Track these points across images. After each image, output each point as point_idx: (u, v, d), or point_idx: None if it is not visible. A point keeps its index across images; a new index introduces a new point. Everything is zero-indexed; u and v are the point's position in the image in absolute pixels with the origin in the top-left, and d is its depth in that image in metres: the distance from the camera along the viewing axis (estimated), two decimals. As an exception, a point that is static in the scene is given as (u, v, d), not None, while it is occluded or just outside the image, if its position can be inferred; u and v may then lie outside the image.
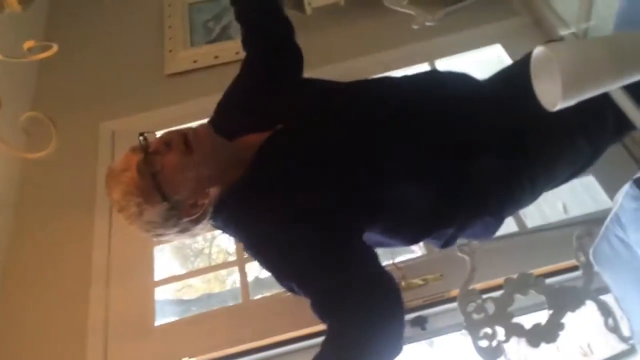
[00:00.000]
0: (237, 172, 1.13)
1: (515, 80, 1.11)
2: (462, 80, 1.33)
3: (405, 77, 1.31)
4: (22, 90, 2.38)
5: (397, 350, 0.98)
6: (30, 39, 1.31)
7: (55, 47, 1.34)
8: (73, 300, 1.86)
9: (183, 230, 1.14)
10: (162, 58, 2.49)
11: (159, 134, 1.15)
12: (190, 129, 1.12)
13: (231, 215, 1.14)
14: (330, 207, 1.07)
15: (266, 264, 1.12)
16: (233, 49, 2.45)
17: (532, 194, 1.27)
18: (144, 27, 2.67)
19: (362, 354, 0.94)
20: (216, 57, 2.45)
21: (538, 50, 0.74)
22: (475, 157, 1.15)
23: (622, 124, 1.15)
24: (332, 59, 2.21)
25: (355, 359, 0.93)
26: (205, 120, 1.34)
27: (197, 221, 1.13)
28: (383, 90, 1.27)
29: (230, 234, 1.23)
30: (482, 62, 2.30)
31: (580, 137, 1.23)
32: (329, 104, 1.23)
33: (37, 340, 1.80)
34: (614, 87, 0.72)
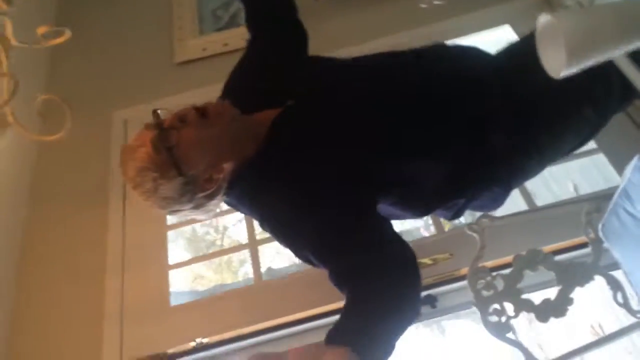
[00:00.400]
0: (251, 148, 1.14)
1: (522, 52, 1.12)
2: (470, 53, 1.34)
3: (414, 51, 1.31)
4: (36, 76, 2.42)
5: (415, 313, 1.00)
6: (42, 25, 1.34)
7: (68, 33, 1.37)
8: (89, 285, 1.89)
9: (198, 206, 1.14)
10: (172, 47, 2.52)
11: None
12: (209, 103, 1.13)
13: (246, 190, 1.16)
14: (344, 179, 1.08)
15: (282, 236, 1.14)
16: (242, 36, 2.42)
17: (539, 163, 1.28)
18: (154, 16, 2.70)
19: (382, 318, 0.95)
20: (225, 44, 2.47)
21: (543, 19, 0.75)
22: (484, 129, 1.16)
23: (628, 91, 1.15)
24: (343, 43, 2.21)
25: (375, 323, 0.95)
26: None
27: (211, 196, 1.14)
28: (389, 64, 1.28)
29: (244, 210, 1.25)
30: (492, 43, 2.30)
31: (586, 106, 1.24)
32: (338, 79, 1.24)
33: (55, 326, 1.84)
34: (618, 54, 0.73)
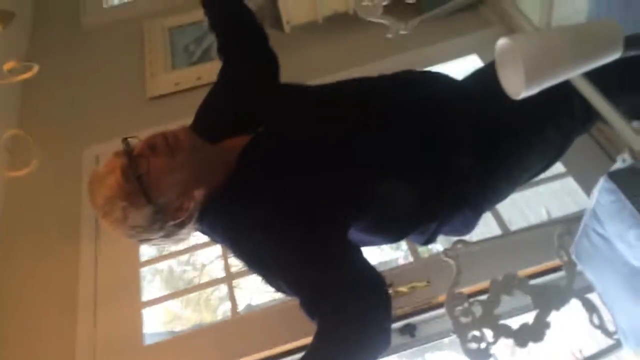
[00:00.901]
0: (222, 175, 1.13)
1: (487, 77, 1.14)
2: (437, 79, 1.36)
3: (383, 77, 1.33)
4: (5, 112, 2.39)
5: (385, 343, 0.99)
6: (11, 60, 1.33)
7: (36, 68, 1.36)
8: (61, 323, 1.84)
9: (168, 235, 1.12)
10: (144, 81, 2.52)
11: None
12: (170, 131, 1.12)
13: (217, 217, 1.14)
14: (313, 206, 1.07)
15: (253, 265, 1.13)
16: (215, 70, 2.44)
17: (507, 185, 1.29)
18: (125, 51, 2.71)
19: (351, 348, 0.94)
20: (199, 78, 2.47)
21: (501, 42, 0.76)
22: (450, 154, 1.18)
23: (590, 112, 1.18)
24: (313, 75, 2.23)
25: (345, 352, 0.93)
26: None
27: (182, 225, 1.11)
28: (361, 89, 1.29)
29: (216, 239, 1.23)
30: (460, 72, 2.35)
31: (550, 128, 1.27)
32: (307, 106, 1.24)
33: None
34: (575, 74, 0.75)
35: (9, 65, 1.35)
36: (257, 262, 1.12)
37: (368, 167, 1.13)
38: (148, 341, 1.81)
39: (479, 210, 1.26)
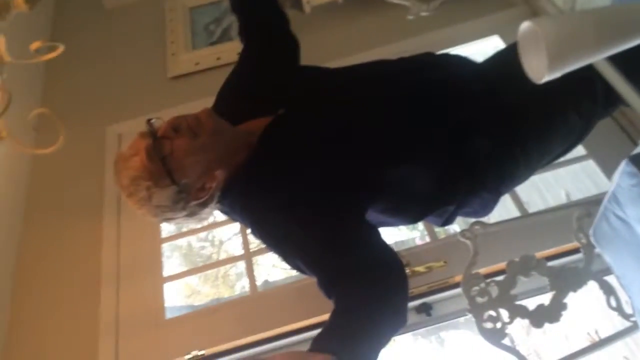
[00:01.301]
0: (243, 156, 1.16)
1: (508, 60, 1.13)
2: (457, 62, 1.36)
3: (402, 60, 1.33)
4: (30, 91, 2.44)
5: (402, 322, 1.01)
6: (37, 40, 1.35)
7: (61, 48, 1.38)
8: (84, 299, 1.89)
9: (191, 214, 1.16)
10: (165, 61, 2.54)
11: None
12: (193, 113, 1.15)
13: (237, 197, 1.17)
14: (331, 187, 1.09)
15: (272, 244, 1.15)
16: (235, 50, 2.46)
17: (526, 169, 1.29)
18: (147, 31, 2.72)
19: (367, 326, 0.96)
20: (218, 58, 2.49)
21: (524, 25, 0.76)
22: (466, 136, 1.18)
23: (612, 97, 1.17)
24: (333, 56, 2.24)
25: (362, 330, 0.96)
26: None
27: (204, 204, 1.15)
28: (380, 73, 1.30)
29: (236, 218, 1.26)
30: (481, 54, 2.33)
31: (571, 112, 1.26)
32: (327, 88, 1.26)
33: (51, 339, 1.83)
34: (599, 58, 0.75)
35: (35, 45, 1.37)
36: (276, 242, 1.15)
37: (384, 151, 1.14)
38: (168, 314, 1.86)
39: (497, 193, 1.26)
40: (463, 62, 1.36)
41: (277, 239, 1.14)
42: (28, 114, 1.42)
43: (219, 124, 1.16)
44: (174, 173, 1.08)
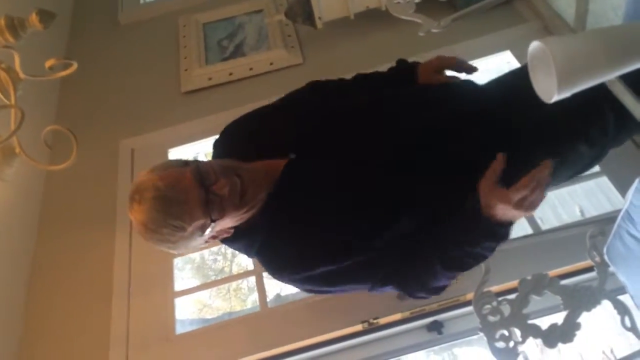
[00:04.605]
0: (262, 197, 1.16)
1: (514, 87, 1.13)
2: (461, 92, 1.35)
3: (405, 94, 1.33)
4: (45, 108, 2.47)
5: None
6: (51, 58, 1.37)
7: (75, 65, 1.40)
8: (95, 312, 1.90)
9: (194, 249, 1.16)
10: (179, 76, 2.57)
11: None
12: (245, 173, 1.11)
13: (255, 238, 1.18)
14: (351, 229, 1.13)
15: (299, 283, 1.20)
16: (247, 66, 2.52)
17: None
18: (160, 46, 2.76)
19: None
20: (230, 74, 2.51)
21: (533, 45, 0.76)
22: (481, 162, 1.12)
23: (623, 129, 1.17)
24: (345, 71, 2.24)
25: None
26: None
27: (207, 244, 1.17)
28: (380, 109, 1.28)
29: (251, 255, 1.27)
30: (493, 69, 2.32)
31: (581, 144, 1.26)
32: (335, 127, 1.24)
33: (62, 352, 1.84)
34: (609, 78, 0.74)
35: (49, 62, 1.39)
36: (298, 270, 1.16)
37: (396, 197, 1.15)
38: (180, 328, 1.86)
39: None
40: (467, 93, 1.35)
41: (300, 275, 1.16)
42: (42, 130, 1.44)
43: (264, 190, 1.14)
44: (213, 229, 1.09)
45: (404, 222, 1.14)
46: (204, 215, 1.03)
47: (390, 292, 1.21)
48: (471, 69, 1.39)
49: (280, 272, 1.19)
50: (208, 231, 1.07)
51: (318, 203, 1.13)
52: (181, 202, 1.01)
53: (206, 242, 1.13)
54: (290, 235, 1.14)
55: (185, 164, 1.08)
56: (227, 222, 1.11)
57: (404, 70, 1.47)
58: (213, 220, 1.04)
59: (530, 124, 1.17)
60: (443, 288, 1.21)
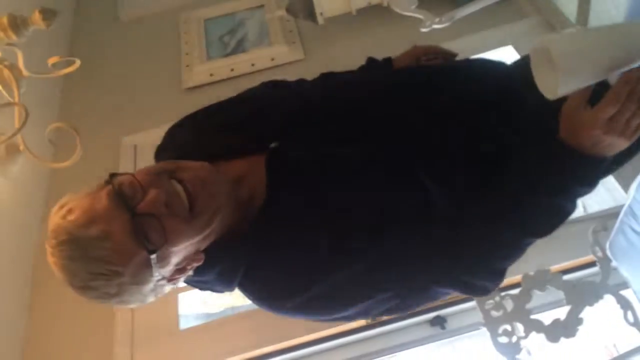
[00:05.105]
0: (235, 218, 0.87)
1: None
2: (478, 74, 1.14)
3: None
4: (48, 105, 2.47)
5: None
6: (54, 56, 1.38)
7: (77, 62, 1.41)
8: (100, 307, 1.90)
9: (155, 294, 0.84)
10: (180, 72, 2.57)
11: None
12: (188, 177, 0.81)
13: (241, 258, 0.89)
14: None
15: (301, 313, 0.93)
16: (248, 62, 2.52)
17: None
18: (162, 43, 2.76)
19: None
20: (232, 69, 2.52)
21: (535, 43, 0.76)
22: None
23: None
24: (346, 67, 2.24)
25: None
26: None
27: (175, 283, 0.86)
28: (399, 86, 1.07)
29: (229, 282, 0.92)
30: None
31: None
32: (320, 111, 1.00)
33: (66, 349, 1.85)
34: (612, 75, 0.74)
35: (52, 60, 1.40)
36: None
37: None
38: (182, 322, 1.86)
39: None
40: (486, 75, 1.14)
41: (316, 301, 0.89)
42: (45, 127, 1.45)
43: (222, 193, 0.83)
44: (160, 263, 0.77)
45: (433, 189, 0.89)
46: (140, 246, 0.74)
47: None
48: (450, 55, 1.27)
49: (287, 297, 0.89)
50: (168, 268, 0.80)
51: (329, 186, 0.89)
52: (101, 239, 0.73)
53: (172, 279, 0.84)
54: (303, 229, 0.87)
55: (106, 183, 0.80)
56: (188, 246, 0.80)
57: (377, 62, 1.34)
58: (154, 250, 0.75)
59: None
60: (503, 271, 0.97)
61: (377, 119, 0.97)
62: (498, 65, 1.22)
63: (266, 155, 0.91)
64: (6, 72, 1.30)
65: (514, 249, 0.95)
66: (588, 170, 0.84)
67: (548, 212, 0.90)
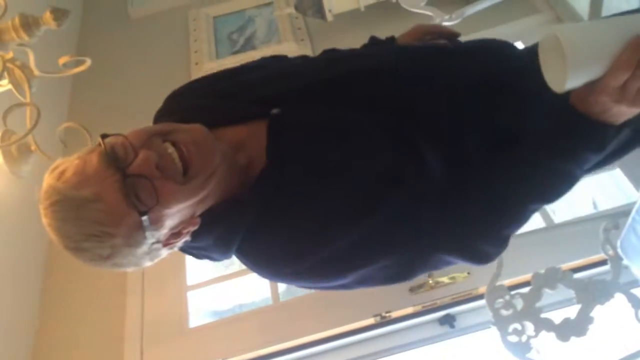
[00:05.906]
0: (234, 180, 0.86)
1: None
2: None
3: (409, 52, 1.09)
4: (58, 104, 2.49)
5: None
6: (64, 55, 1.38)
7: (88, 62, 1.42)
8: (110, 306, 1.93)
9: (151, 258, 0.83)
10: (189, 70, 2.57)
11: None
12: (181, 138, 0.79)
13: (241, 222, 0.87)
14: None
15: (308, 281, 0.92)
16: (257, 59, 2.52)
17: None
18: (171, 40, 2.77)
19: None
20: (241, 67, 2.51)
21: (544, 34, 0.75)
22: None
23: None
24: (354, 64, 2.24)
25: None
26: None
27: (171, 248, 0.85)
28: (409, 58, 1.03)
29: (226, 248, 0.91)
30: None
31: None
32: (324, 80, 0.97)
33: (77, 346, 1.87)
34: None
35: (63, 59, 1.40)
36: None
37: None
38: (191, 319, 1.88)
39: None
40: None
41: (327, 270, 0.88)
42: (56, 127, 1.45)
43: (216, 156, 0.81)
44: (153, 226, 0.77)
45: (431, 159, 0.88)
46: (131, 207, 0.74)
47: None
48: (453, 34, 1.23)
49: (287, 262, 0.87)
50: (163, 231, 0.79)
51: (326, 149, 0.87)
52: (92, 200, 0.73)
53: (168, 244, 0.82)
54: (304, 199, 0.85)
55: (99, 145, 0.78)
56: (183, 210, 0.79)
57: (380, 40, 1.30)
58: (145, 212, 0.74)
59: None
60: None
61: (383, 88, 0.95)
62: (506, 46, 1.21)
63: (268, 121, 0.90)
64: (18, 72, 1.30)
65: (520, 214, 0.91)
66: (597, 136, 0.83)
67: (556, 177, 0.88)
